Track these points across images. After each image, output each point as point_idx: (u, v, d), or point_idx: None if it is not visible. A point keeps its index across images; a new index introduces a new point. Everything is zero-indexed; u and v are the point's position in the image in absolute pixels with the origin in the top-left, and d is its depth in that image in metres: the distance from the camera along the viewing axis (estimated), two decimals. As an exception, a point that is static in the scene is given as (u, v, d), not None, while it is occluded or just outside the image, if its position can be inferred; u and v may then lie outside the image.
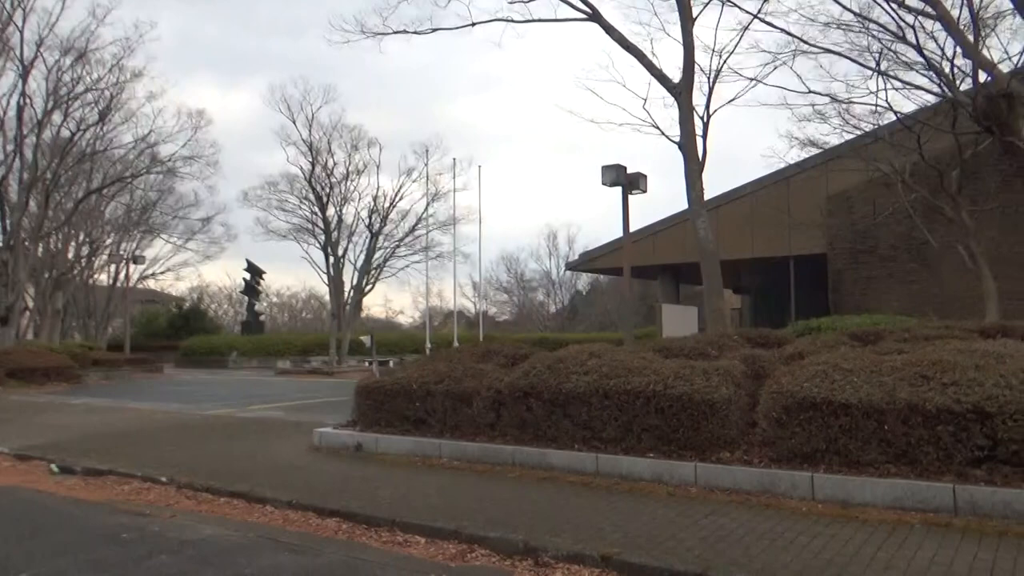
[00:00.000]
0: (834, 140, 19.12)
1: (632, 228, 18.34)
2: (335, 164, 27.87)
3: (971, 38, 9.77)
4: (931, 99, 15.20)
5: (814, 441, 6.16)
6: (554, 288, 61.35)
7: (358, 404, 9.36)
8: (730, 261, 23.74)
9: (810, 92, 15.74)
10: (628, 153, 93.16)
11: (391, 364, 34.70)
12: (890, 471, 5.83)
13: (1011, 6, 9.66)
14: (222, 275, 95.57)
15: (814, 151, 19.81)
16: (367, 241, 27.25)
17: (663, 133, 14.42)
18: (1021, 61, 12.45)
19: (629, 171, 14.70)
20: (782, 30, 13.55)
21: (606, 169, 14.13)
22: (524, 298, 70.24)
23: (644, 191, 14.72)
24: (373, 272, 29.26)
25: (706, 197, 21.04)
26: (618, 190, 14.50)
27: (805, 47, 14.63)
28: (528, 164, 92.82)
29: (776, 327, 20.16)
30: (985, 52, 10.61)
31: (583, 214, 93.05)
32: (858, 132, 17.99)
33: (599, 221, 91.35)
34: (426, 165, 29.49)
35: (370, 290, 28.71)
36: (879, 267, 20.62)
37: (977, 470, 5.55)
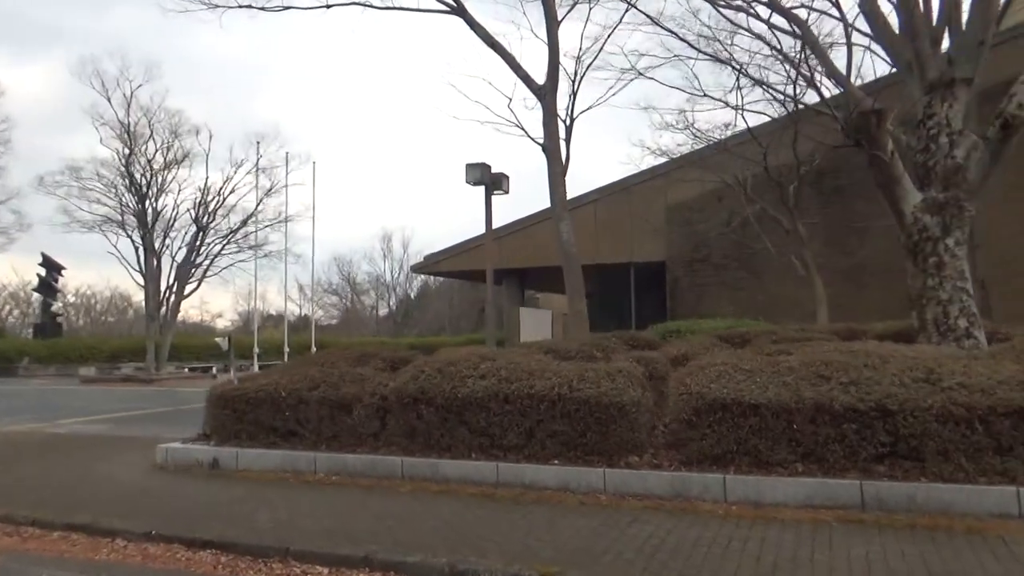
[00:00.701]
0: (684, 151, 20.04)
1: (476, 232, 18.13)
2: (156, 150, 25.25)
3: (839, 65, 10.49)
4: (778, 114, 16.28)
5: (724, 442, 6.12)
6: (387, 291, 59.95)
7: (213, 415, 8.26)
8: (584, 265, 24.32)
9: (678, 89, 16.31)
10: (479, 156, 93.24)
11: (213, 370, 32.24)
12: (799, 470, 5.90)
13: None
14: (6, 271, 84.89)
15: (664, 159, 20.66)
16: (191, 236, 24.90)
17: (527, 134, 14.31)
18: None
19: (492, 172, 14.46)
20: (655, 22, 13.76)
21: (470, 167, 13.77)
22: (356, 301, 68.25)
23: (506, 192, 14.53)
24: (196, 270, 26.81)
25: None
26: (458, 196, 14.41)
27: (664, 54, 15.10)
28: (367, 163, 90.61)
29: (617, 330, 20.89)
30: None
31: (419, 218, 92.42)
32: (707, 143, 18.97)
33: (436, 225, 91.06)
34: (259, 157, 27.52)
35: (194, 290, 26.36)
36: (712, 275, 21.93)
37: (880, 466, 5.73)
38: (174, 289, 27.58)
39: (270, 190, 28.11)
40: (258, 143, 32.07)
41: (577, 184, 23.10)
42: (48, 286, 34.65)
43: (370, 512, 5.98)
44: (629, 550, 4.83)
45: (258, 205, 27.61)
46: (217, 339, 9.10)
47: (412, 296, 61.05)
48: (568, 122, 14.34)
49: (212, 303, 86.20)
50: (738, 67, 14.45)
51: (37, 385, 24.39)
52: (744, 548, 4.83)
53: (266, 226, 29.79)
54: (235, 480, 7.38)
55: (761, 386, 6.20)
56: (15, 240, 35.08)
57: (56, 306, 35.83)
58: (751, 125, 17.46)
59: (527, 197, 45.56)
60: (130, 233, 29.93)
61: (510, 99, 14.48)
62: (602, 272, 24.40)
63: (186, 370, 30.75)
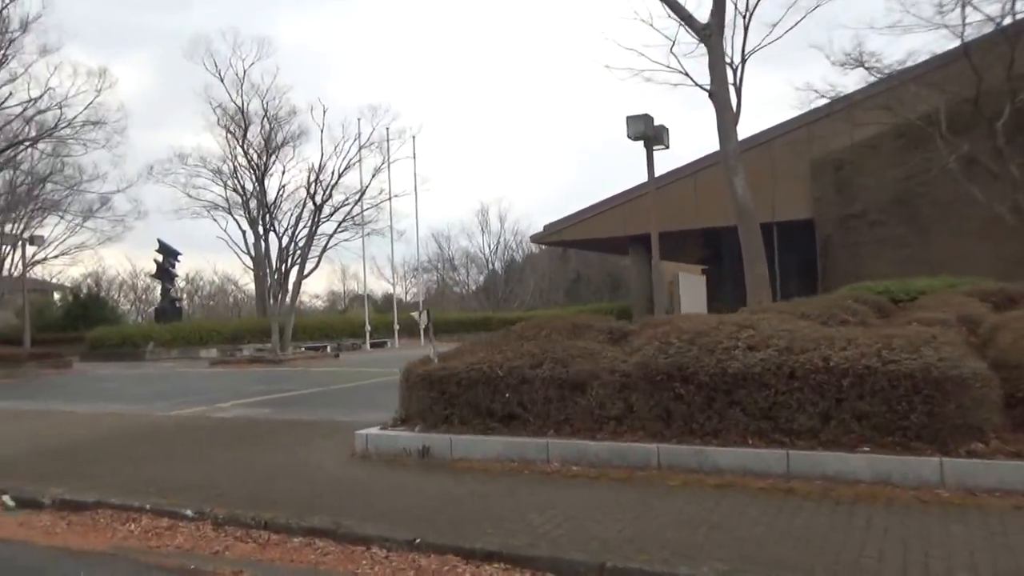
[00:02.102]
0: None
1: (581, 202, 16.84)
2: (271, 128, 24.97)
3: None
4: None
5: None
6: (484, 265, 59.34)
7: (415, 397, 7.39)
8: (712, 229, 22.78)
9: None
10: (593, 122, 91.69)
11: (328, 350, 32.26)
12: None
13: None
14: (122, 260, 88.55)
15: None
16: (310, 215, 24.60)
17: (693, 81, 12.86)
18: None
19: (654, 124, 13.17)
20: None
21: (632, 120, 12.56)
22: (448, 277, 68.04)
23: (667, 147, 13.22)
24: (312, 249, 26.52)
25: (687, 160, 19.86)
26: (556, 168, 12.90)
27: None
28: (471, 135, 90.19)
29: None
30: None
31: (517, 191, 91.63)
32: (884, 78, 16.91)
33: (534, 198, 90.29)
34: (372, 130, 26.96)
35: (314, 269, 26.14)
36: (868, 232, 20.02)
37: None
38: (290, 269, 27.40)
39: (381, 165, 27.55)
40: (359, 120, 31.67)
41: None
42: (166, 271, 35.40)
43: (662, 513, 4.92)
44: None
45: (372, 179, 27.08)
46: (413, 314, 8.36)
47: (500, 271, 60.10)
48: (740, 65, 12.82)
49: (306, 284, 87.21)
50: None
51: (169, 368, 24.69)
52: None
53: (374, 205, 29.33)
54: (457, 472, 6.47)
55: None
56: (131, 229, 36.06)
57: (175, 290, 36.64)
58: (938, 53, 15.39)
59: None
60: (242, 216, 30.11)
61: (673, 42, 12.95)
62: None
63: (303, 349, 30.83)
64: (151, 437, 9.14)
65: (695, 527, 4.61)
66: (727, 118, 12.45)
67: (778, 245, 21.41)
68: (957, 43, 15.03)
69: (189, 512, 5.61)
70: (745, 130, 16.66)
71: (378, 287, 62.10)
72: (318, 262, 25.90)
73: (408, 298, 66.06)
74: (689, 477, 5.77)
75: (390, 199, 33.10)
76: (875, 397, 5.39)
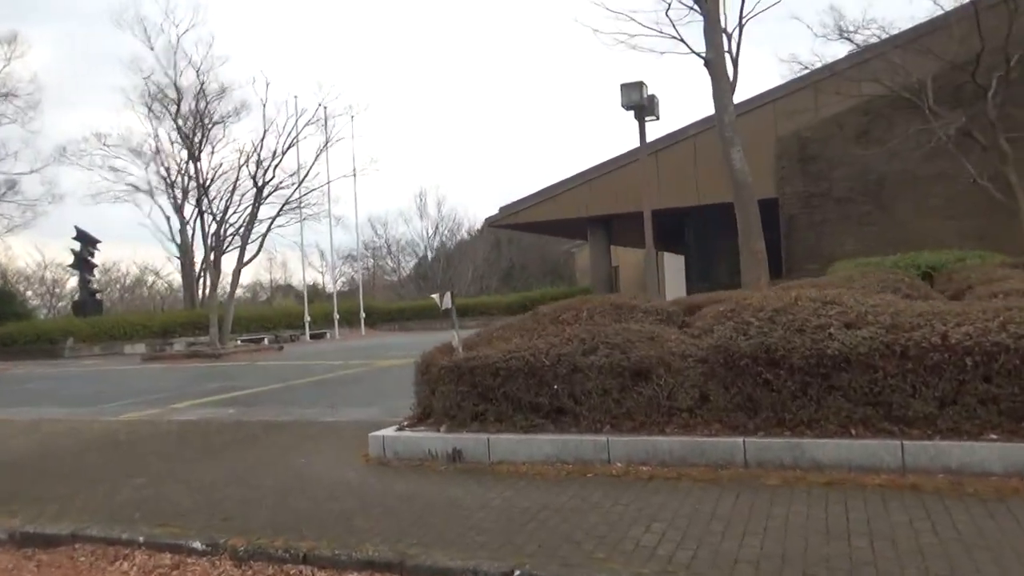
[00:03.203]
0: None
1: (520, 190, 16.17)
2: (207, 103, 23.04)
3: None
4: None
5: None
6: (426, 251, 57.85)
7: (438, 392, 6.41)
8: (673, 210, 22.31)
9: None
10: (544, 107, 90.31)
11: (265, 342, 30.53)
12: None
13: None
14: (30, 250, 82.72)
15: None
16: (251, 197, 22.80)
17: (690, 48, 12.11)
18: None
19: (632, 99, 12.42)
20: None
21: (626, 88, 11.78)
22: (376, 267, 65.98)
23: (657, 118, 12.52)
24: (254, 235, 24.79)
25: (648, 139, 19.30)
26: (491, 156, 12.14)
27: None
28: (411, 119, 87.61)
29: (726, 282, 18.99)
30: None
31: (453, 177, 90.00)
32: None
33: (469, 186, 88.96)
34: (320, 106, 25.30)
35: (254, 256, 24.40)
36: (833, 209, 19.88)
37: None
38: (220, 256, 25.54)
39: (325, 145, 25.97)
40: (295, 97, 29.98)
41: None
42: (84, 261, 32.80)
43: (790, 522, 4.14)
44: None
45: (316, 158, 25.45)
46: (434, 295, 7.34)
47: (439, 258, 58.61)
48: (737, 30, 12.15)
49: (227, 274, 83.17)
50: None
51: (93, 366, 22.67)
52: None
53: (312, 190, 27.63)
54: (503, 478, 5.56)
55: None
56: (44, 214, 33.26)
57: (95, 282, 34.06)
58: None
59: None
60: (167, 201, 28.03)
61: (669, 4, 12.07)
62: (704, 213, 22.42)
63: (238, 342, 29.05)
64: (111, 447, 7.84)
65: (849, 538, 3.85)
66: (723, 87, 11.83)
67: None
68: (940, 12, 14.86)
69: (198, 544, 4.52)
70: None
71: (306, 276, 59.62)
72: (259, 248, 24.27)
73: (338, 287, 64.05)
74: (787, 475, 5.02)
75: (328, 183, 31.47)
76: (1006, 377, 4.75)
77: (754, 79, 64.15)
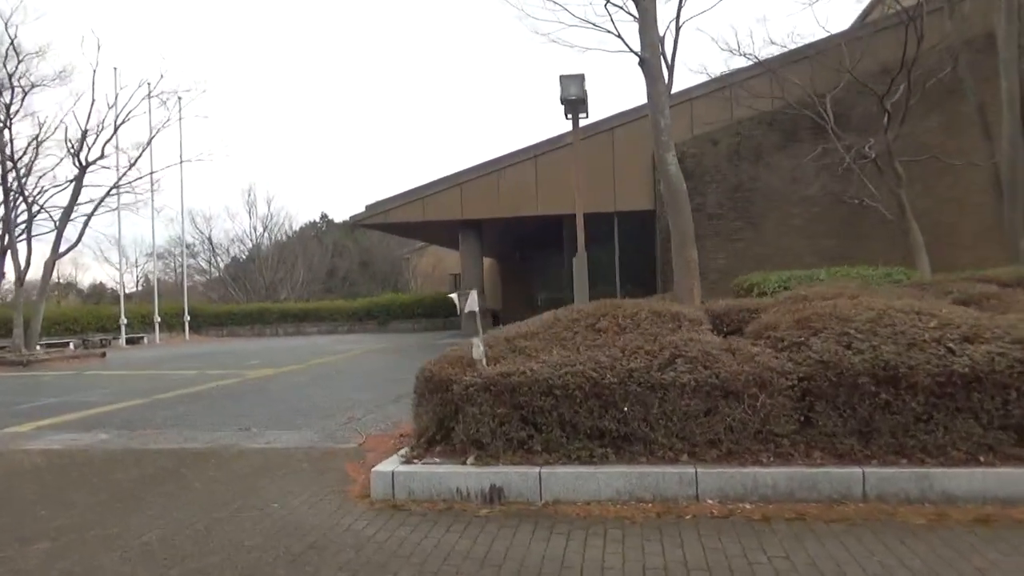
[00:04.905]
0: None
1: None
2: (19, 60, 19.00)
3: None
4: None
5: None
6: (259, 250, 53.51)
7: (466, 415, 5.14)
8: (552, 216, 21.90)
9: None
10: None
11: (71, 347, 26.35)
12: None
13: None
14: None
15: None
16: (71, 179, 19.11)
17: (628, 47, 11.52)
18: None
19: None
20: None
21: (565, 79, 10.95)
22: (200, 263, 60.22)
23: (587, 115, 11.84)
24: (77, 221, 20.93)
25: (530, 142, 18.77)
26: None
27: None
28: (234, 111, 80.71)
29: (606, 290, 18.85)
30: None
31: (279, 176, 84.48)
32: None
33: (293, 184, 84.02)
34: (160, 80, 21.95)
35: (72, 246, 20.56)
36: (707, 225, 20.40)
37: None
38: (13, 245, 21.46)
39: (162, 125, 22.68)
40: (115, 69, 26.21)
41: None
42: None
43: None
44: None
45: (152, 137, 22.15)
46: (452, 295, 5.85)
47: (270, 259, 54.58)
48: (675, 30, 11.77)
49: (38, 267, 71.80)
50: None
51: None
52: None
53: (139, 177, 24.12)
54: (570, 523, 4.45)
55: None
56: None
57: None
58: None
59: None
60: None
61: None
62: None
63: (38, 348, 24.76)
64: (-37, 493, 5.67)
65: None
66: (659, 89, 11.36)
67: (619, 236, 21.18)
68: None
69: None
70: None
71: (100, 273, 53.06)
72: (79, 238, 20.59)
73: (139, 287, 57.55)
74: (921, 510, 4.38)
75: (150, 175, 27.63)
76: None
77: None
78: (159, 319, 30.56)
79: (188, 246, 59.32)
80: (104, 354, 20.59)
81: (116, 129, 20.30)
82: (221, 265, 61.04)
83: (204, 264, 63.92)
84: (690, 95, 20.46)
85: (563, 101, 11.01)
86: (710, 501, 4.66)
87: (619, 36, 11.51)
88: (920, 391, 4.61)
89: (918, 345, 4.75)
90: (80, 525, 4.73)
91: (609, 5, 11.18)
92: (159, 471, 6.18)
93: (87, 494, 5.52)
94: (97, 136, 19.74)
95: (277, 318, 34.57)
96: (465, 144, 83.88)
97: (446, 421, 5.26)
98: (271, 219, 54.77)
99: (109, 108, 20.43)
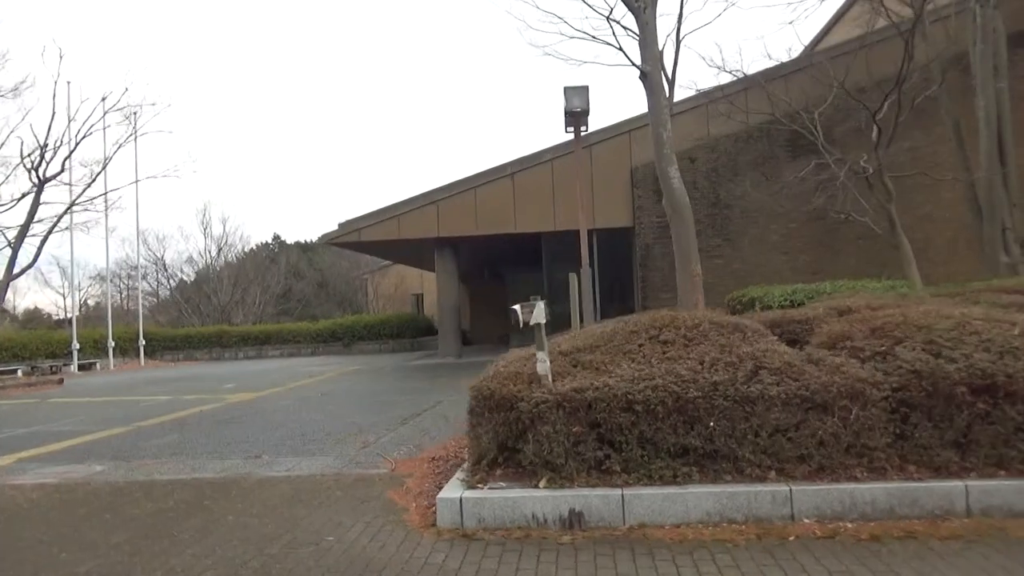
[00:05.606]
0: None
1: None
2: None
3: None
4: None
5: None
6: (212, 272, 51.87)
7: (535, 436, 4.78)
8: (531, 235, 21.66)
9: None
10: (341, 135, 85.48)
11: (19, 374, 24.96)
12: None
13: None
14: None
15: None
16: (24, 194, 18.04)
17: (630, 60, 11.34)
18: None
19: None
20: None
21: (570, 91, 10.74)
22: (129, 287, 57.97)
23: (586, 128, 11.67)
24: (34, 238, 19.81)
25: (515, 156, 18.53)
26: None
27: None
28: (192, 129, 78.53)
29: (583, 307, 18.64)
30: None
31: (232, 195, 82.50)
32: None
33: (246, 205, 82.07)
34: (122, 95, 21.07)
35: (30, 265, 19.39)
36: (685, 242, 20.38)
37: None
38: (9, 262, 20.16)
39: (124, 140, 21.76)
40: (68, 83, 25.16)
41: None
42: None
43: None
44: None
45: (114, 152, 21.20)
46: (516, 307, 5.29)
47: (225, 280, 52.89)
48: (675, 45, 11.69)
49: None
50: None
51: None
52: None
53: (99, 195, 23.14)
54: (665, 548, 4.13)
55: None
56: None
57: None
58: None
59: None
60: None
61: (611, 8, 11.29)
62: (561, 240, 22.03)
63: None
64: (-37, 535, 5.05)
65: None
66: (661, 102, 11.27)
67: (598, 253, 21.02)
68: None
69: None
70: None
71: (41, 298, 50.80)
72: (35, 258, 19.48)
73: (81, 311, 55.19)
74: (1032, 525, 4.19)
75: (106, 193, 26.47)
76: None
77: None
78: (113, 343, 29.21)
79: (139, 267, 57.62)
80: (61, 380, 19.48)
81: (77, 144, 19.39)
82: (171, 286, 59.14)
83: (152, 285, 61.93)
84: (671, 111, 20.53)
85: (567, 113, 10.82)
86: (807, 520, 4.39)
87: (620, 49, 11.40)
88: (1020, 400, 4.45)
89: (1011, 353, 4.60)
90: (114, 569, 4.20)
91: (610, 20, 11.03)
92: (179, 504, 5.64)
93: (105, 532, 4.97)
94: (55, 151, 18.77)
95: (237, 341, 33.41)
96: (429, 162, 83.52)
97: (510, 442, 4.89)
98: (226, 240, 52.97)
99: (71, 121, 19.46)
